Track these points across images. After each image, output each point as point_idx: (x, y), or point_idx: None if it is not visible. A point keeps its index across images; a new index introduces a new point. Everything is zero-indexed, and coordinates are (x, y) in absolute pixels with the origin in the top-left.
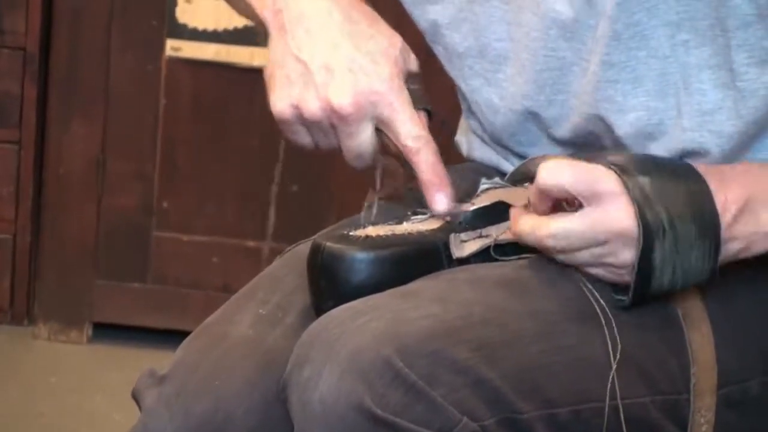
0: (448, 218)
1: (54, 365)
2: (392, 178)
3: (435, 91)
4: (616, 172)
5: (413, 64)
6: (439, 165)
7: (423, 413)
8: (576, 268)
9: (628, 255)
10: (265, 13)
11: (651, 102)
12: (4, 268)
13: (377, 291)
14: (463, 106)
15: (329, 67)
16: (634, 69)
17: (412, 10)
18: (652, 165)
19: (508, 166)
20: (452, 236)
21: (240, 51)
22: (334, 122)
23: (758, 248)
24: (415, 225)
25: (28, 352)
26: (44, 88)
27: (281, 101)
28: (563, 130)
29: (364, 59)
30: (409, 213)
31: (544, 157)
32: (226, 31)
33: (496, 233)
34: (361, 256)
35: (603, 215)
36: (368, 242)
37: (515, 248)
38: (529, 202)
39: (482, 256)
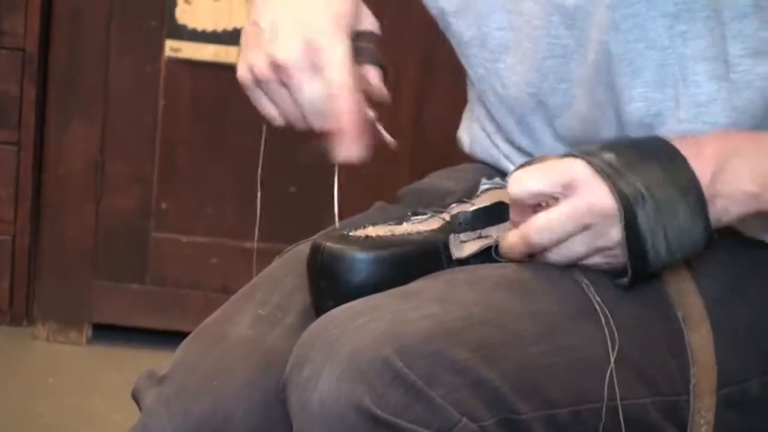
0: (448, 218)
1: (53, 366)
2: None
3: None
4: (580, 157)
5: (366, 23)
6: (354, 115)
7: (422, 413)
8: (577, 267)
9: (615, 231)
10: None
11: (650, 93)
12: (3, 269)
13: (377, 291)
14: (471, 96)
15: (275, 26)
16: (632, 61)
17: None
18: (617, 143)
19: (508, 164)
20: (452, 236)
21: None
22: (281, 78)
23: (739, 209)
24: (415, 225)
25: (28, 353)
26: (43, 89)
27: (240, 66)
28: (567, 120)
29: (308, 15)
30: (409, 213)
31: (542, 158)
32: (225, 32)
33: (496, 234)
34: (361, 256)
35: (579, 200)
36: (368, 242)
37: None
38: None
39: (482, 256)
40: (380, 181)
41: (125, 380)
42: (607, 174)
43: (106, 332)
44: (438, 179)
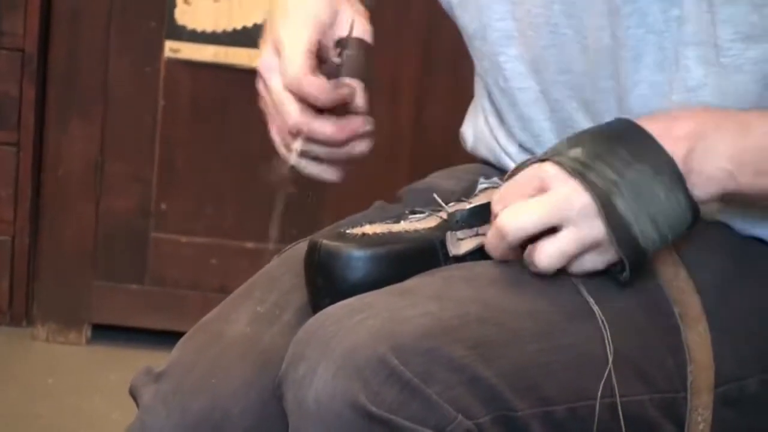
0: (445, 216)
1: (52, 366)
2: None
3: (437, 91)
4: (548, 159)
5: (355, 30)
6: (321, 87)
7: (418, 411)
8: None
9: (597, 225)
10: None
11: (652, 76)
12: (2, 269)
13: (374, 288)
14: (477, 90)
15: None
16: (634, 47)
17: None
18: (583, 135)
19: (508, 161)
20: (449, 234)
21: (239, 52)
22: (264, 82)
23: (716, 187)
24: (413, 223)
25: (27, 354)
26: (43, 89)
27: None
28: (569, 112)
29: (286, 20)
30: (406, 212)
31: (516, 170)
32: (225, 33)
33: None
34: (357, 253)
35: (553, 196)
36: (365, 240)
37: None
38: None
39: (479, 254)
40: (380, 181)
41: (125, 380)
42: (577, 171)
43: (106, 332)
44: (438, 179)
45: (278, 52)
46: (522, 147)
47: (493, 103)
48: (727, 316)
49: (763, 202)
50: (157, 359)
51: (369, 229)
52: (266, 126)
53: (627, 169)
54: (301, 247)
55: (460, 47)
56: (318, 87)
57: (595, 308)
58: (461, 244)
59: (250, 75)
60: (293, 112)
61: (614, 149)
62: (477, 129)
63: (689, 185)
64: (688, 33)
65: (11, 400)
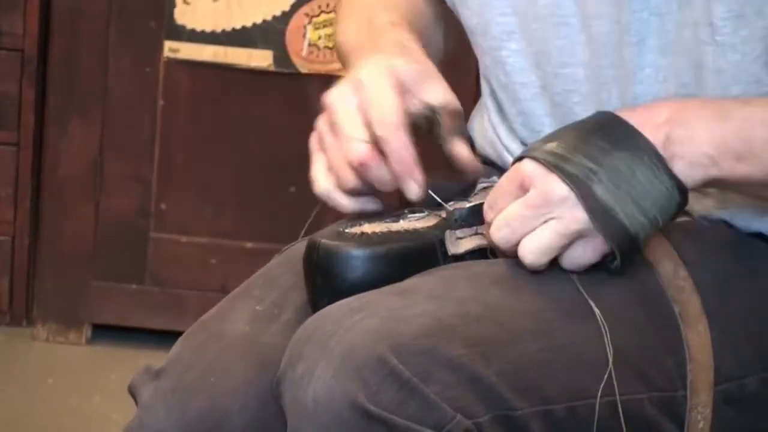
0: (444, 215)
1: (53, 366)
2: None
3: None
4: (525, 157)
5: (432, 95)
6: (407, 153)
7: (417, 410)
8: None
9: (579, 213)
10: None
11: (656, 59)
12: (2, 269)
13: (373, 287)
14: (483, 88)
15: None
16: (639, 30)
17: None
18: (560, 130)
19: (509, 159)
20: (448, 233)
21: (238, 52)
22: (330, 119)
23: (700, 173)
24: (412, 222)
25: (27, 354)
26: (42, 89)
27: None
28: (570, 105)
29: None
30: (405, 210)
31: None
32: (224, 33)
33: None
34: (356, 252)
35: (532, 192)
36: (364, 239)
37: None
38: None
39: (478, 253)
40: None
41: (125, 380)
42: (552, 164)
43: (106, 332)
44: (437, 178)
45: (360, 90)
46: (523, 143)
47: (495, 100)
48: (726, 315)
49: (745, 188)
50: (157, 359)
51: (368, 228)
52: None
53: (605, 157)
54: (300, 246)
55: (460, 47)
56: (404, 144)
57: (595, 309)
58: (460, 243)
59: (249, 75)
60: (364, 149)
61: (591, 140)
62: (481, 127)
63: (679, 169)
64: (686, 13)
65: (11, 399)
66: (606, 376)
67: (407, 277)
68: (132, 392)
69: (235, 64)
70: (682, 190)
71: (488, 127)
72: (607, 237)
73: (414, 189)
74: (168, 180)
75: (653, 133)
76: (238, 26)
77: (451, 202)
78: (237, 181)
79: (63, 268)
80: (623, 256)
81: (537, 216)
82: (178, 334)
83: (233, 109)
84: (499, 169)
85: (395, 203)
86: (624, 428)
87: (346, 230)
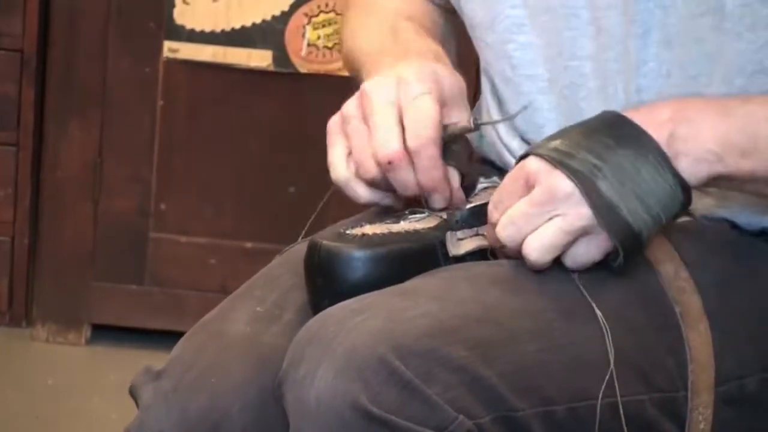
0: (445, 216)
1: (52, 367)
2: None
3: None
4: (530, 154)
5: (462, 119)
6: (436, 171)
7: (418, 411)
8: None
9: (584, 210)
10: None
11: (660, 52)
12: (2, 270)
13: (374, 289)
14: (484, 87)
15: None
16: (644, 22)
17: None
18: (565, 129)
19: (510, 158)
20: (449, 234)
21: (237, 52)
22: (365, 110)
23: (705, 170)
24: (412, 223)
25: (27, 354)
26: (42, 90)
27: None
28: (575, 100)
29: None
30: (406, 212)
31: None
32: (223, 33)
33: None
34: (357, 254)
35: (537, 189)
36: (365, 240)
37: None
38: None
39: (478, 254)
40: None
41: (124, 381)
42: (557, 160)
43: (105, 333)
44: None
45: (402, 88)
46: (524, 140)
47: (496, 96)
48: (727, 316)
49: (748, 188)
50: (156, 359)
51: (369, 229)
52: (265, 126)
53: (610, 154)
54: (301, 247)
55: (460, 45)
56: (435, 163)
57: (597, 309)
58: (461, 244)
59: (248, 75)
60: (396, 148)
61: (595, 137)
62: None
63: (683, 167)
64: (692, 6)
65: (11, 400)
66: (607, 376)
67: (408, 278)
68: (132, 393)
69: (234, 64)
70: (685, 188)
71: (488, 127)
72: (611, 234)
73: (438, 202)
74: (167, 180)
75: (657, 131)
76: (237, 26)
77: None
78: (236, 181)
79: (62, 268)
80: (626, 254)
81: (542, 213)
82: (178, 334)
83: (233, 109)
84: (499, 169)
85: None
86: (625, 429)
87: (347, 231)
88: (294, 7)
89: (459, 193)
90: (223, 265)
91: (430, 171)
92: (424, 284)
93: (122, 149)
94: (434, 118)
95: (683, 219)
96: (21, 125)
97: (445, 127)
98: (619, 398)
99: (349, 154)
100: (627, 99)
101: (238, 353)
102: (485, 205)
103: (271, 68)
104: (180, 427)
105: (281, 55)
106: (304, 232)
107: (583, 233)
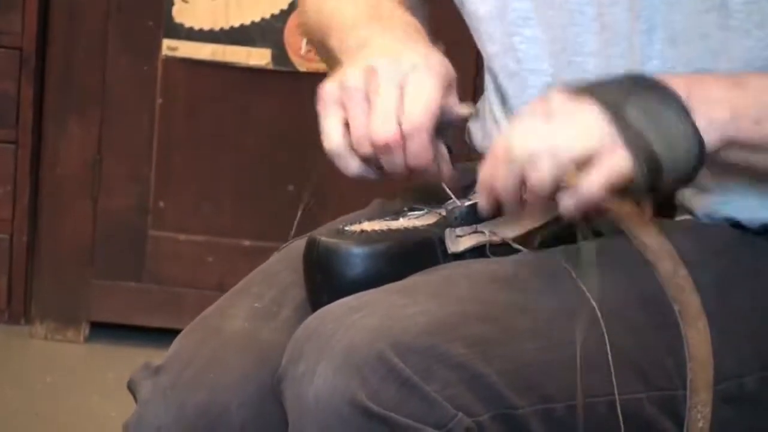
0: (444, 213)
1: (51, 364)
2: None
3: None
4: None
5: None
6: (425, 153)
7: (417, 408)
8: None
9: (607, 131)
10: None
11: (665, 49)
12: (1, 267)
13: (373, 285)
14: (486, 83)
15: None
16: (649, 18)
17: None
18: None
19: None
20: (448, 231)
21: (236, 51)
22: (369, 85)
23: (717, 132)
24: (411, 220)
25: (25, 352)
26: (41, 88)
27: (329, 82)
28: None
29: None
30: (405, 209)
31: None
32: (222, 31)
33: (492, 229)
34: (356, 250)
35: (561, 117)
36: (363, 237)
37: (510, 247)
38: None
39: (477, 251)
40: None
41: (123, 378)
42: (583, 89)
43: (104, 330)
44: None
45: (412, 69)
46: None
47: (499, 92)
48: (726, 315)
49: (759, 156)
50: (155, 356)
51: (368, 225)
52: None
53: (634, 94)
54: (299, 243)
55: (459, 44)
56: (425, 150)
57: (596, 308)
58: (460, 241)
59: (247, 73)
60: (393, 131)
61: (619, 80)
62: (482, 123)
63: (698, 122)
64: (698, 2)
65: (9, 398)
66: (606, 373)
67: (407, 274)
68: (131, 388)
69: (233, 62)
70: (701, 145)
71: (490, 122)
72: (634, 154)
73: (428, 179)
74: (166, 178)
75: (675, 87)
76: (236, 24)
77: (450, 200)
78: (235, 179)
79: (61, 266)
80: (646, 181)
81: (564, 132)
82: (176, 331)
83: (231, 107)
84: None
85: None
86: (623, 428)
87: (346, 228)
88: (293, 6)
89: (446, 168)
90: (222, 262)
91: (419, 156)
92: (423, 282)
93: (121, 147)
94: (433, 102)
95: (683, 218)
96: (20, 123)
97: (443, 110)
98: (617, 396)
99: (345, 125)
100: None
101: (236, 349)
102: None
103: (270, 67)
104: (178, 422)
105: (280, 54)
106: (294, 229)
107: (600, 155)
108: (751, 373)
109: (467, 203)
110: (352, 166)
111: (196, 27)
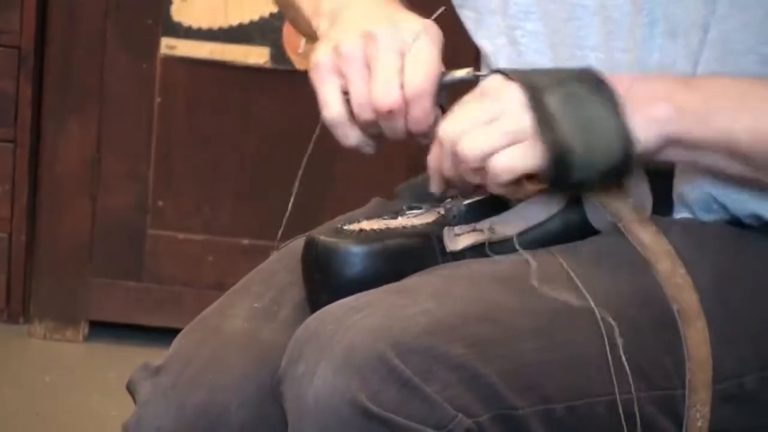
0: (442, 211)
1: (50, 364)
2: None
3: None
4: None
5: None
6: (426, 118)
7: (418, 409)
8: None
9: (526, 115)
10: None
11: (665, 43)
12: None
13: (371, 284)
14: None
15: (363, 17)
16: (650, 11)
17: None
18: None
19: None
20: (446, 230)
21: (235, 49)
22: (368, 51)
23: (656, 129)
24: (410, 219)
25: (24, 351)
26: (39, 86)
27: (322, 48)
28: None
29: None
30: (404, 208)
31: None
32: (221, 30)
33: (490, 227)
34: (355, 249)
35: (486, 92)
36: (362, 236)
37: (510, 245)
38: None
39: (476, 249)
40: (377, 180)
41: (122, 377)
42: (515, 73)
43: (103, 330)
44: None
45: (401, 32)
46: None
47: None
48: (725, 314)
49: (707, 158)
50: (154, 356)
51: (366, 225)
52: (263, 123)
53: (567, 81)
54: (298, 242)
55: (458, 43)
56: (426, 114)
57: (596, 308)
58: (458, 239)
59: (246, 72)
60: (396, 97)
61: (557, 70)
62: None
63: (630, 122)
64: None
65: (8, 397)
66: (605, 372)
67: (405, 273)
68: (130, 389)
69: (231, 61)
70: (627, 139)
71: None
72: (545, 144)
73: (425, 143)
74: (165, 177)
75: (616, 81)
76: (234, 23)
77: (449, 199)
78: (234, 177)
79: (60, 265)
80: (555, 171)
81: (487, 113)
82: (175, 330)
83: (230, 106)
84: None
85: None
86: (624, 428)
87: (345, 227)
88: None
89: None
90: (221, 262)
91: (420, 121)
92: (422, 282)
93: (120, 146)
94: (433, 66)
95: (681, 216)
96: (19, 122)
97: (443, 74)
98: (617, 396)
99: (343, 93)
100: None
101: (236, 349)
102: (483, 200)
103: (269, 65)
104: (178, 423)
105: (279, 53)
106: (282, 227)
107: (517, 140)
108: (750, 373)
109: (465, 202)
110: (351, 136)
111: (195, 26)
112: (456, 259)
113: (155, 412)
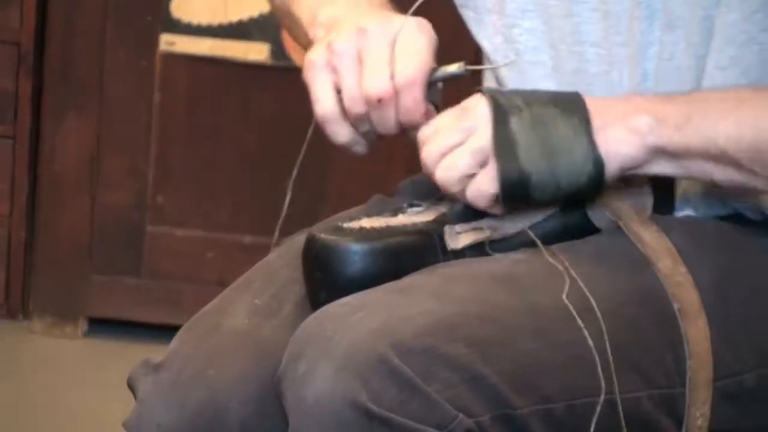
0: (443, 209)
1: (49, 360)
2: None
3: None
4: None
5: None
6: (417, 109)
7: (418, 409)
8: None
9: (488, 135)
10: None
11: (664, 36)
12: None
13: (372, 282)
14: (487, 75)
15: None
16: (649, 4)
17: None
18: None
19: None
20: (447, 228)
21: (235, 46)
22: (359, 46)
23: (637, 139)
24: (410, 217)
25: (23, 347)
26: (39, 83)
27: (316, 48)
28: (578, 86)
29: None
30: (405, 205)
31: None
32: (220, 26)
33: (491, 225)
34: (355, 247)
35: (463, 110)
36: (362, 234)
37: (510, 244)
38: None
39: (477, 248)
40: (377, 178)
41: (121, 374)
42: (489, 91)
43: (102, 326)
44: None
45: (402, 30)
46: None
47: (499, 84)
48: (725, 312)
49: (694, 167)
50: (153, 352)
51: (366, 222)
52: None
53: (538, 105)
54: (299, 239)
55: (458, 42)
56: (417, 105)
57: (596, 307)
58: (459, 237)
59: (246, 68)
60: (387, 86)
61: (535, 92)
62: None
63: (611, 136)
64: None
65: (7, 393)
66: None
67: (406, 272)
68: (131, 385)
69: (231, 57)
70: (597, 163)
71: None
72: (499, 167)
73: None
74: (164, 173)
75: (594, 99)
76: (234, 20)
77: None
78: (233, 174)
79: (59, 261)
80: (507, 194)
81: (457, 128)
82: (175, 327)
83: (230, 102)
84: None
85: None
86: (624, 427)
87: (345, 225)
88: None
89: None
90: (221, 258)
91: (410, 112)
92: (423, 281)
93: (119, 142)
94: (423, 57)
95: (682, 215)
96: (18, 118)
97: (434, 69)
98: (617, 396)
99: (336, 90)
100: (632, 84)
101: (236, 346)
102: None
103: (269, 62)
104: (178, 420)
105: (278, 49)
106: (277, 228)
107: (484, 162)
108: (750, 370)
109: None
110: (342, 133)
111: (195, 22)
112: (456, 258)
113: (156, 409)
